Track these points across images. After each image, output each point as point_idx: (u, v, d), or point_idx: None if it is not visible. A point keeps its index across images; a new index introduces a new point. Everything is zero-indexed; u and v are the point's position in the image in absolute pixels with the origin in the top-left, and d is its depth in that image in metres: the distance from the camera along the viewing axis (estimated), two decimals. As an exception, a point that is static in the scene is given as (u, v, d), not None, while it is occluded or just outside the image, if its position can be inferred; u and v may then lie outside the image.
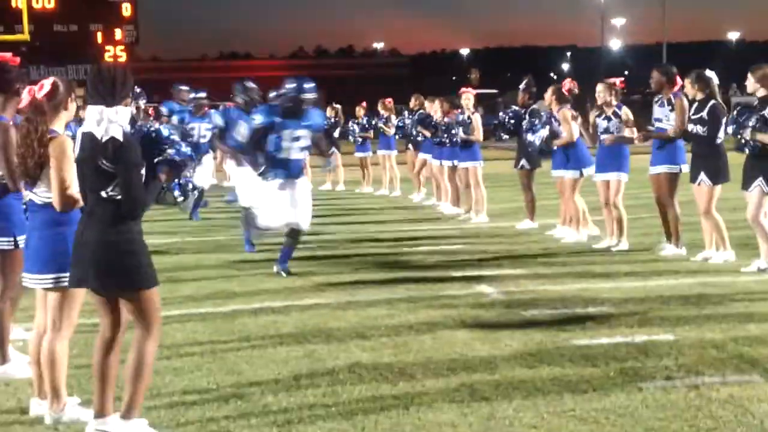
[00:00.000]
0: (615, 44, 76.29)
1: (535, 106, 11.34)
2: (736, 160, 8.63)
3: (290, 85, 8.73)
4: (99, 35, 39.66)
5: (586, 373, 5.40)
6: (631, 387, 5.14)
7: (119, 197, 4.24)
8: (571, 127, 10.33)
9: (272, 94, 10.05)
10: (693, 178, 8.90)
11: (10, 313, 5.66)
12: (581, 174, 10.38)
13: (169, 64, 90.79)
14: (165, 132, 4.53)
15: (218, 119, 10.78)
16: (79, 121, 7.46)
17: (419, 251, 9.94)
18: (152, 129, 4.57)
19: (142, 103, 15.56)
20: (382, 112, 17.41)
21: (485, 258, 9.57)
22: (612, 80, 10.21)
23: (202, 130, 12.93)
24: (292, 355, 5.93)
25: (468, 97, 13.07)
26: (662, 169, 9.31)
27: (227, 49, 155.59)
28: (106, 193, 4.25)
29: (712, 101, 8.78)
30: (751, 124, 8.07)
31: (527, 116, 11.00)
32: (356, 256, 9.84)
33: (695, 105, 8.92)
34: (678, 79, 9.37)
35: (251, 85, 10.78)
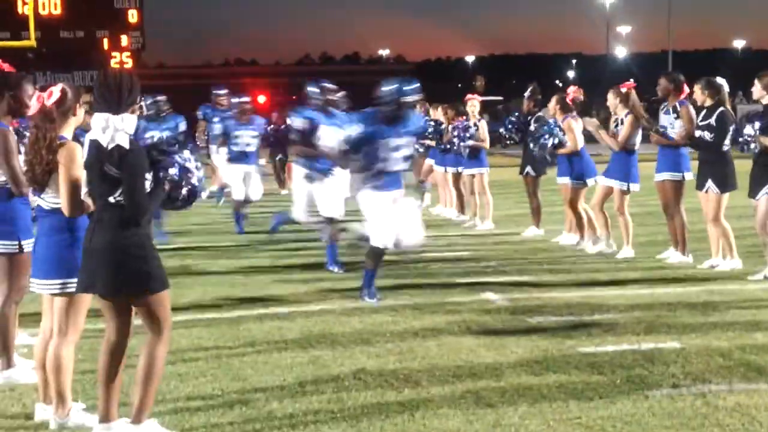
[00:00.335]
0: (620, 52, 76.29)
1: (540, 114, 11.33)
2: (743, 168, 8.61)
3: (389, 88, 7.74)
4: (105, 42, 39.76)
5: (593, 381, 5.38)
6: (638, 395, 5.11)
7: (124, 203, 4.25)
8: (575, 136, 10.31)
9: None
10: (700, 185, 8.88)
11: (15, 317, 5.65)
12: (585, 183, 10.37)
13: (175, 71, 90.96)
14: (164, 142, 4.55)
15: (299, 122, 9.36)
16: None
17: (424, 258, 9.92)
18: (156, 140, 4.59)
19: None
20: None
21: (490, 265, 9.55)
22: (626, 84, 10.06)
23: (247, 138, 12.38)
24: (297, 361, 5.92)
25: (474, 104, 13.07)
26: (666, 176, 9.29)
27: (233, 56, 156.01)
28: (114, 198, 4.26)
29: (721, 108, 8.76)
30: (757, 125, 8.09)
31: (533, 123, 10.98)
32: (361, 262, 9.81)
33: (704, 111, 8.89)
34: (685, 87, 9.35)
35: (329, 85, 9.55)
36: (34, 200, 4.82)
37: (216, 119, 14.49)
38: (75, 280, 4.57)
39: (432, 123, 13.33)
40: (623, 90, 9.87)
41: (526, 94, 11.81)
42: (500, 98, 47.72)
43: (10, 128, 5.44)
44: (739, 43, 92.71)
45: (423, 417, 4.81)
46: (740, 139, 8.26)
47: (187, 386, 5.39)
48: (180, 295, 7.92)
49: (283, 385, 5.39)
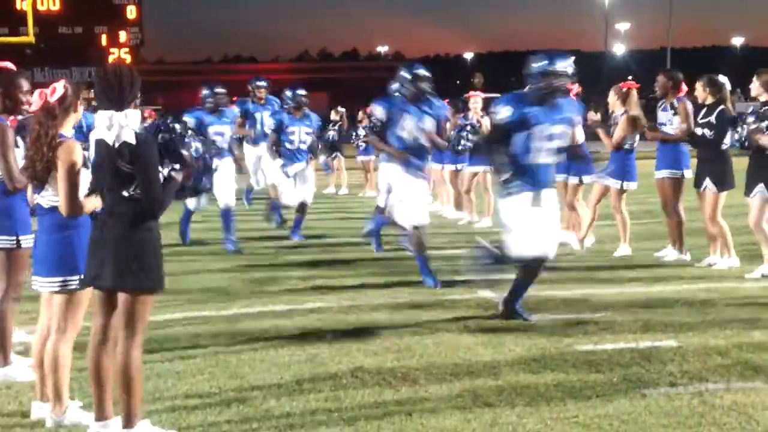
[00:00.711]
0: (619, 49, 76.25)
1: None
2: (740, 166, 8.61)
3: (538, 63, 6.60)
4: (104, 37, 39.77)
5: (590, 379, 5.38)
6: (635, 393, 5.12)
7: (140, 197, 4.24)
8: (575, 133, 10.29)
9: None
10: (698, 183, 8.89)
11: (13, 314, 5.65)
12: (581, 181, 10.37)
13: (173, 67, 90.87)
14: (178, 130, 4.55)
15: (380, 111, 8.48)
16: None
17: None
18: (168, 129, 4.57)
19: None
20: (362, 120, 17.40)
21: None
22: (628, 84, 10.07)
23: (302, 134, 11.34)
24: (295, 359, 5.91)
25: (476, 101, 13.06)
26: (665, 173, 9.29)
27: (232, 52, 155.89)
28: (128, 192, 4.25)
29: (722, 106, 8.77)
30: (750, 120, 8.13)
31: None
32: (359, 260, 9.82)
33: (704, 109, 8.89)
34: (683, 85, 9.35)
35: (423, 72, 8.38)
36: (34, 198, 4.81)
37: (259, 114, 13.56)
38: (76, 277, 4.57)
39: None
40: (624, 89, 9.87)
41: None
42: (499, 95, 47.67)
43: (8, 123, 5.43)
44: (737, 41, 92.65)
45: (420, 415, 4.81)
46: (736, 136, 8.30)
47: (184, 384, 5.38)
48: (177, 293, 7.91)
49: (280, 383, 5.38)
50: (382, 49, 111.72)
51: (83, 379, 5.24)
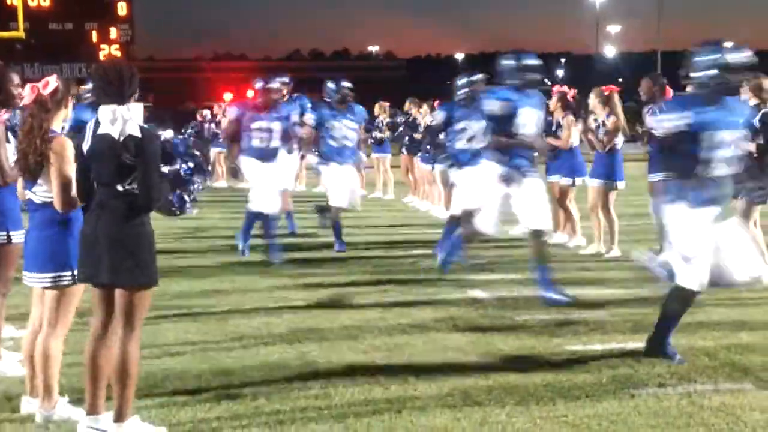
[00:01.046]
0: (610, 51, 76.52)
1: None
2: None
3: (705, 57, 5.53)
4: (94, 34, 39.66)
5: (579, 379, 5.40)
6: (624, 393, 5.14)
7: (136, 191, 4.24)
8: (570, 135, 10.36)
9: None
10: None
11: (2, 309, 5.63)
12: (573, 182, 10.41)
13: (164, 64, 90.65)
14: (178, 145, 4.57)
15: (495, 105, 7.48)
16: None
17: (412, 254, 9.93)
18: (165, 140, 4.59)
19: None
20: (378, 114, 17.29)
21: (478, 263, 9.56)
22: (610, 87, 10.18)
23: (345, 130, 10.32)
24: (285, 357, 5.91)
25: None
26: (661, 176, 9.31)
27: (222, 50, 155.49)
28: (123, 186, 4.25)
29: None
30: None
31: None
32: (349, 258, 9.83)
33: None
34: (668, 89, 9.38)
35: (531, 61, 7.59)
36: (26, 194, 4.79)
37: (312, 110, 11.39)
38: (68, 273, 4.56)
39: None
40: (605, 93, 9.96)
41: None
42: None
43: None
44: (727, 45, 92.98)
45: (410, 414, 4.82)
46: None
47: (174, 381, 5.38)
48: (168, 290, 7.90)
49: (270, 381, 5.38)
50: (374, 48, 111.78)
51: (72, 375, 5.24)
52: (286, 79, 11.02)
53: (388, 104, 17.52)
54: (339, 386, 5.27)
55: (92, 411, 4.42)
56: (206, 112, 22.18)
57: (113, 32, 39.76)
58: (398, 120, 16.16)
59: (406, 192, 16.49)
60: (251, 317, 7.04)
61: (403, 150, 16.04)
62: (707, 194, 5.53)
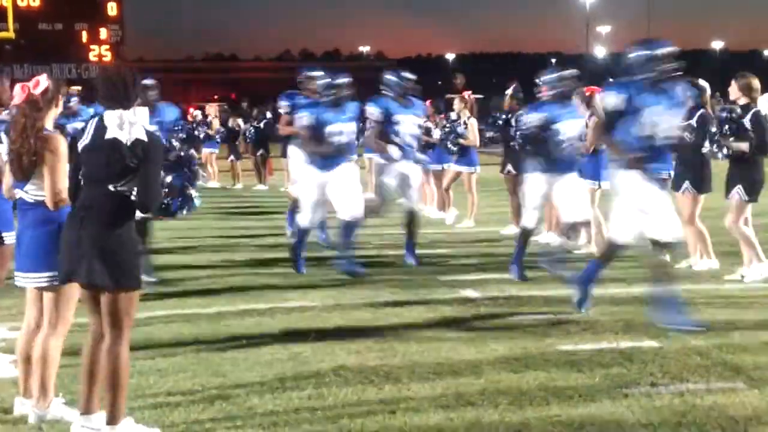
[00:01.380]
0: (600, 51, 76.69)
1: (521, 113, 11.36)
2: (719, 169, 8.69)
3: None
4: (84, 34, 39.58)
5: (572, 379, 5.41)
6: (616, 393, 5.15)
7: (126, 192, 4.24)
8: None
9: None
10: (677, 186, 8.96)
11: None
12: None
13: (154, 65, 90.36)
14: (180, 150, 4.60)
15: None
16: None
17: (404, 254, 9.92)
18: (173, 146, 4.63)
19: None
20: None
21: (470, 262, 9.58)
22: (590, 88, 10.27)
23: (410, 126, 9.31)
24: (277, 357, 5.91)
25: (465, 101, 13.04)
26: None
27: (212, 51, 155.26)
28: (115, 187, 4.25)
29: (702, 110, 8.84)
30: (726, 128, 8.23)
31: (514, 122, 11.01)
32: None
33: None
34: None
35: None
36: (16, 193, 4.77)
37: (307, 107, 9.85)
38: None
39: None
40: (587, 93, 10.01)
41: (509, 92, 11.85)
42: (480, 96, 47.83)
43: None
44: (717, 45, 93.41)
45: (404, 414, 4.82)
46: (714, 140, 8.39)
47: (167, 382, 5.37)
48: (160, 290, 7.90)
49: (263, 381, 5.38)
50: (364, 48, 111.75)
51: (65, 376, 5.22)
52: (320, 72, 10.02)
53: None
54: (332, 387, 5.27)
55: (86, 410, 4.41)
56: (197, 113, 22.15)
57: (103, 33, 39.71)
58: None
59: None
60: (244, 317, 7.04)
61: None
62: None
